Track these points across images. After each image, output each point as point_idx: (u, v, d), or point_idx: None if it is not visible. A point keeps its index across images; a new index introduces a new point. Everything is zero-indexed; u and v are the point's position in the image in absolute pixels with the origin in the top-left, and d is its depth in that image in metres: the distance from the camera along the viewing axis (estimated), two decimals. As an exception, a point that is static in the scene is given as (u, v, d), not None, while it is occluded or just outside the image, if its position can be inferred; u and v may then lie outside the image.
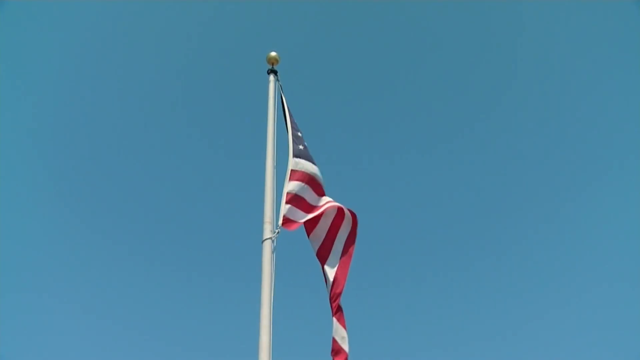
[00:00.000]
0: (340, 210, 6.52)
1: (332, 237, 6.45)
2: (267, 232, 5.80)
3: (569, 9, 19.47)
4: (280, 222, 5.86)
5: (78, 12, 19.05)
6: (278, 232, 5.79)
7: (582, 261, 18.80)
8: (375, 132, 21.71)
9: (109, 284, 18.18)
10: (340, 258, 6.29)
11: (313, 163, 6.69)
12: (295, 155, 6.52)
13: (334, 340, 5.76)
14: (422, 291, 19.33)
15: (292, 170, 6.36)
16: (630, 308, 15.92)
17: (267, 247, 5.71)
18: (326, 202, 6.53)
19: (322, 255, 6.33)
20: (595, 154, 19.85)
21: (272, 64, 7.40)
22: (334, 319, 5.87)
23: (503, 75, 21.42)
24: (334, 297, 5.99)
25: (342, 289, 6.03)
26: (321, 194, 6.67)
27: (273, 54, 7.44)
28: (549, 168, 20.60)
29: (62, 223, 18.78)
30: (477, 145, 21.67)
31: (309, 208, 6.36)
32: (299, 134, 6.91)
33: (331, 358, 5.69)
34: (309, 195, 6.45)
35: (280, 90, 7.27)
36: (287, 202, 6.06)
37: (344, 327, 5.88)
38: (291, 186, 6.24)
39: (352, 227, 6.51)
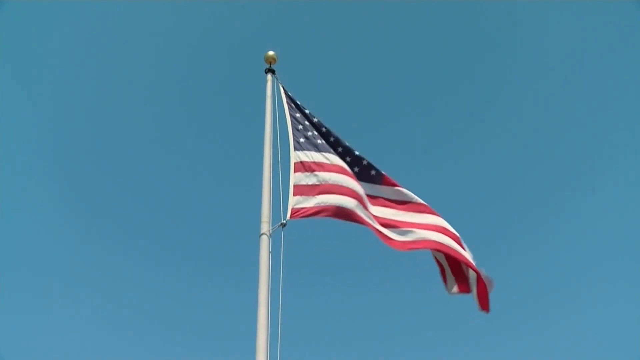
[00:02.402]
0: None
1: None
2: (265, 229, 5.81)
3: (569, 9, 19.48)
4: (289, 215, 5.89)
5: (78, 12, 19.10)
6: (283, 225, 5.81)
7: (581, 261, 18.80)
8: (372, 131, 21.68)
9: (107, 283, 18.22)
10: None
11: (318, 150, 6.64)
12: (296, 149, 6.52)
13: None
14: (421, 289, 19.30)
15: (295, 163, 6.39)
16: (629, 308, 15.91)
17: (264, 242, 5.70)
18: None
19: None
20: (595, 153, 19.85)
21: (270, 63, 7.41)
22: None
23: (499, 76, 21.45)
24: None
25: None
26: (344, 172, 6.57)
27: (271, 53, 7.44)
28: (548, 168, 20.59)
29: (62, 223, 18.82)
30: (477, 145, 21.68)
31: (329, 188, 6.31)
32: (300, 127, 6.85)
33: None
34: (323, 178, 6.38)
35: (279, 87, 7.24)
36: (295, 195, 6.08)
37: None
38: (297, 178, 6.25)
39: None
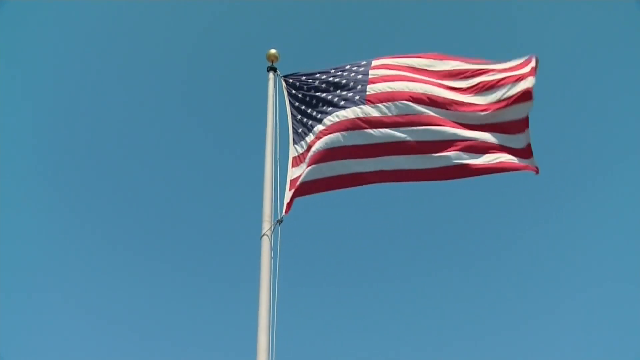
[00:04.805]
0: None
1: None
2: (266, 229, 5.77)
3: (569, 9, 19.48)
4: (284, 211, 5.85)
5: (78, 12, 19.07)
6: (280, 222, 5.77)
7: (579, 261, 18.78)
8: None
9: (107, 283, 18.16)
10: None
11: (310, 131, 6.41)
12: (294, 143, 6.47)
13: None
14: (419, 290, 19.30)
15: (292, 157, 6.35)
16: (629, 308, 15.90)
17: (266, 243, 5.67)
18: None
19: None
20: (593, 153, 19.84)
21: (272, 62, 7.35)
22: None
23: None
24: None
25: None
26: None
27: (273, 51, 7.38)
28: (547, 168, 20.54)
29: (62, 222, 18.80)
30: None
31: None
32: (299, 116, 6.63)
33: None
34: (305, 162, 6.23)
35: (282, 83, 7.16)
36: (290, 189, 6.04)
37: None
38: (293, 172, 6.21)
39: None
